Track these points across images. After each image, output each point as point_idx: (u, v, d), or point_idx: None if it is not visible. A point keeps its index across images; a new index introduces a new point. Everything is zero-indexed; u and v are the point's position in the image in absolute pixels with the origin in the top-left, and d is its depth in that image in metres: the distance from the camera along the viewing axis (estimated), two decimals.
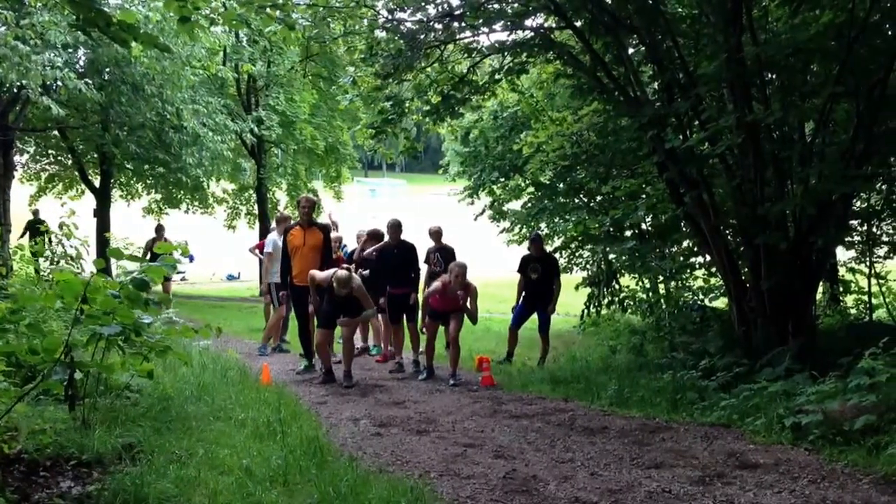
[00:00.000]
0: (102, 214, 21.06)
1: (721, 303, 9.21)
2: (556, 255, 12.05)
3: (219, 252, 33.45)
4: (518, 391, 7.40)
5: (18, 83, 12.91)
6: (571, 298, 13.08)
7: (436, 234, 9.74)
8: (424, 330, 8.41)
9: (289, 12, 5.58)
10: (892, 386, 4.76)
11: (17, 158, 21.75)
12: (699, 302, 9.34)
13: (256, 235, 22.60)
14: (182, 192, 23.07)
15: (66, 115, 15.82)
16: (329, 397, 7.12)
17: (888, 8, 6.26)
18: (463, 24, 8.37)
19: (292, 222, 9.10)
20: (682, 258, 9.73)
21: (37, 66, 11.50)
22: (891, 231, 9.99)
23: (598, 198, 12.00)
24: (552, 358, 9.29)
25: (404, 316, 8.89)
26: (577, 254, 13.13)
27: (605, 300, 12.59)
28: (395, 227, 8.89)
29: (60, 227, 8.47)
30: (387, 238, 9.07)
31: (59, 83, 14.73)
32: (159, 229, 14.65)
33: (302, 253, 8.42)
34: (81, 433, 3.95)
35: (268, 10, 5.24)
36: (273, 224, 10.89)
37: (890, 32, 6.64)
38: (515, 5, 8.31)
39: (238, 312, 16.57)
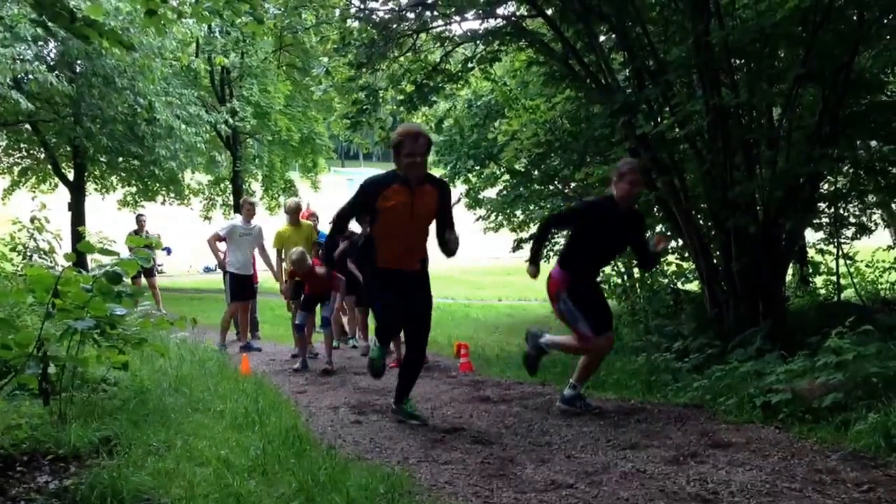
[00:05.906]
0: (77, 208, 20.79)
1: (694, 286, 9.33)
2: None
3: (196, 243, 33.13)
4: (496, 377, 7.46)
5: None
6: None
7: None
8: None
9: (256, 7, 5.56)
10: (859, 364, 4.82)
11: None
12: (672, 285, 9.45)
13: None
14: (157, 184, 22.85)
15: (36, 108, 15.57)
16: (308, 386, 7.13)
17: None
18: (435, 13, 8.38)
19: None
20: None
21: (6, 60, 11.32)
22: (857, 213, 10.17)
23: (573, 184, 12.08)
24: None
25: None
26: (552, 240, 13.19)
27: None
28: None
29: (32, 220, 8.38)
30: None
31: (30, 76, 14.52)
32: (140, 220, 14.11)
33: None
34: (57, 427, 3.92)
35: (235, 4, 5.20)
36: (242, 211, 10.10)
37: (854, 18, 6.74)
38: None
39: (215, 304, 16.45)
